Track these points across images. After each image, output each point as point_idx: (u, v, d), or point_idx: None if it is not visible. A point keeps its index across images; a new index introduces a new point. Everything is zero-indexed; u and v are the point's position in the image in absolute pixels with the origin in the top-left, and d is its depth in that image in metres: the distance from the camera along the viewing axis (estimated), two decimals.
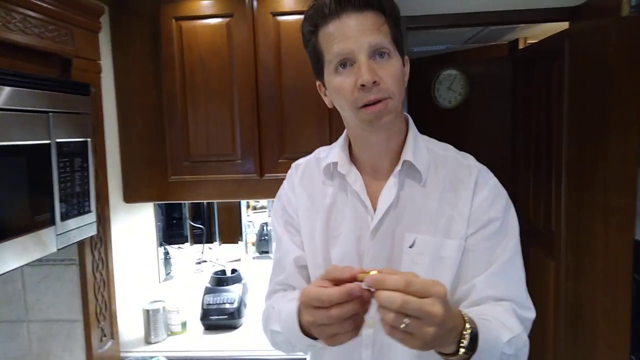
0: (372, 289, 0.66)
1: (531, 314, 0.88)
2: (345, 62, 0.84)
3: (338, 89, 0.87)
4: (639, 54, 1.63)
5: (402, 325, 0.62)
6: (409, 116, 0.99)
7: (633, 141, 1.69)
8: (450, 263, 0.88)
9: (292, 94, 1.73)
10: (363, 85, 0.82)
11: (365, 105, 0.85)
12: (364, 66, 0.82)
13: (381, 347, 0.91)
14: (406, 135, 0.95)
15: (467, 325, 0.69)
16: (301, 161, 1.07)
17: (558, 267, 2.35)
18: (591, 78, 2.01)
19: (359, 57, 0.83)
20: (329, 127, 1.74)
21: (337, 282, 0.69)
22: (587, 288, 2.07)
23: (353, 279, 0.68)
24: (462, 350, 0.69)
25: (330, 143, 1.72)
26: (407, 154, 0.92)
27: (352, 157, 0.98)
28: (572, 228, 2.23)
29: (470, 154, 0.98)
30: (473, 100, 3.22)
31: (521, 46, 2.89)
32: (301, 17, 1.67)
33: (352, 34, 0.82)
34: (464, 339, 0.69)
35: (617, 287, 1.81)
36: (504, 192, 0.93)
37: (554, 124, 2.36)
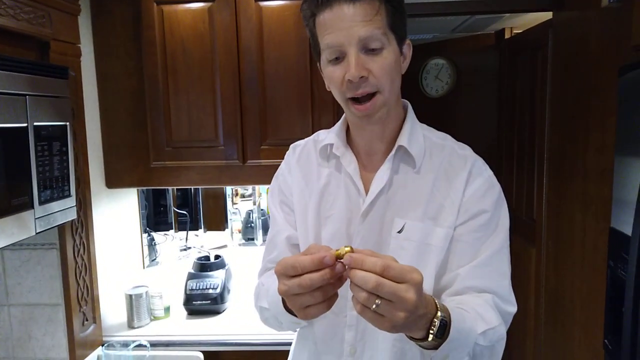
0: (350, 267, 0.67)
1: (512, 308, 0.89)
2: (337, 54, 0.84)
3: (329, 79, 0.88)
4: (618, 44, 1.65)
5: (374, 306, 0.64)
6: (408, 103, 0.99)
7: (611, 130, 1.71)
8: (437, 251, 0.89)
9: (274, 80, 1.73)
10: (351, 81, 0.83)
11: (355, 100, 0.86)
12: (353, 61, 0.82)
13: (365, 329, 0.93)
14: (404, 121, 0.96)
15: (439, 313, 0.71)
16: (300, 142, 1.08)
17: (539, 255, 2.39)
18: (573, 68, 2.03)
19: (348, 50, 0.83)
20: (311, 113, 1.75)
21: None
22: (566, 275, 2.11)
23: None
24: (431, 337, 0.70)
25: (312, 130, 1.74)
26: (402, 140, 0.92)
27: (349, 140, 0.99)
28: (553, 216, 2.27)
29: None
30: (460, 90, 3.24)
31: (507, 36, 2.90)
32: (283, 2, 1.70)
33: (343, 25, 0.82)
34: (434, 326, 0.70)
35: (594, 273, 1.85)
36: (497, 186, 0.93)
37: (538, 113, 2.39)
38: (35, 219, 1.30)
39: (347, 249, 0.68)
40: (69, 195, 1.44)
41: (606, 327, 1.57)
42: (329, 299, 0.71)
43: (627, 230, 1.38)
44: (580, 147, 1.95)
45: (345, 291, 0.90)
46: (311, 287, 0.68)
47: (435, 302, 0.72)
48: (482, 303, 0.84)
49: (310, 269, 0.68)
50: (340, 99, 0.89)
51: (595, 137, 1.83)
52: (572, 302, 2.05)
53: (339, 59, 0.85)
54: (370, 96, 0.85)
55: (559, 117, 2.18)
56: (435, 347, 0.72)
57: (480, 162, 0.94)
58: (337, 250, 0.68)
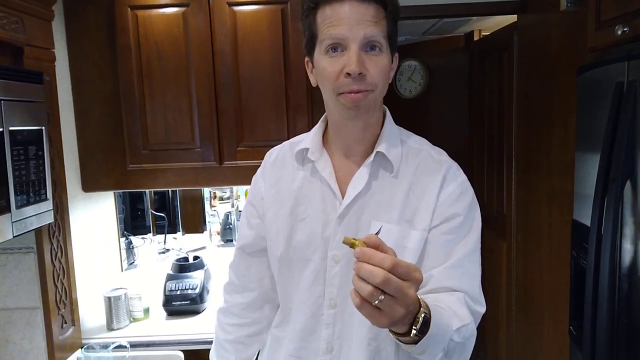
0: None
1: (482, 308, 0.92)
2: (337, 47, 0.86)
3: (323, 71, 0.89)
4: (576, 46, 1.74)
5: (376, 301, 0.64)
6: (386, 108, 1.01)
7: (572, 128, 1.80)
8: (413, 253, 0.92)
9: (249, 83, 1.77)
10: (349, 74, 0.84)
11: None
12: (355, 55, 0.84)
13: (342, 327, 0.96)
14: (382, 126, 0.98)
15: (422, 310, 0.72)
16: (277, 147, 1.10)
17: (509, 248, 2.48)
18: (536, 68, 2.12)
19: (351, 45, 0.85)
20: (286, 115, 1.79)
21: None
22: (535, 266, 2.20)
23: None
24: (413, 332, 0.72)
25: (288, 131, 1.79)
26: (380, 146, 0.94)
27: (326, 142, 1.01)
28: (521, 211, 2.36)
29: (430, 142, 1.02)
30: (432, 90, 3.33)
31: (476, 38, 2.99)
32: (257, 7, 1.74)
33: (350, 21, 0.84)
34: (417, 321, 0.71)
35: (560, 264, 1.93)
36: (470, 190, 0.96)
37: (505, 112, 2.48)
38: (12, 222, 1.31)
39: (361, 241, 0.68)
40: (46, 199, 1.45)
41: (571, 315, 1.64)
42: None
43: (587, 221, 1.45)
44: (544, 144, 2.04)
45: (322, 291, 0.96)
46: None
47: (419, 299, 0.73)
48: (455, 300, 0.86)
49: None
50: (330, 93, 0.90)
51: (558, 134, 1.92)
52: (540, 292, 2.14)
53: (336, 50, 0.86)
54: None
55: (525, 116, 2.27)
56: (415, 342, 0.73)
57: (455, 167, 0.97)
58: (353, 238, 0.69)
